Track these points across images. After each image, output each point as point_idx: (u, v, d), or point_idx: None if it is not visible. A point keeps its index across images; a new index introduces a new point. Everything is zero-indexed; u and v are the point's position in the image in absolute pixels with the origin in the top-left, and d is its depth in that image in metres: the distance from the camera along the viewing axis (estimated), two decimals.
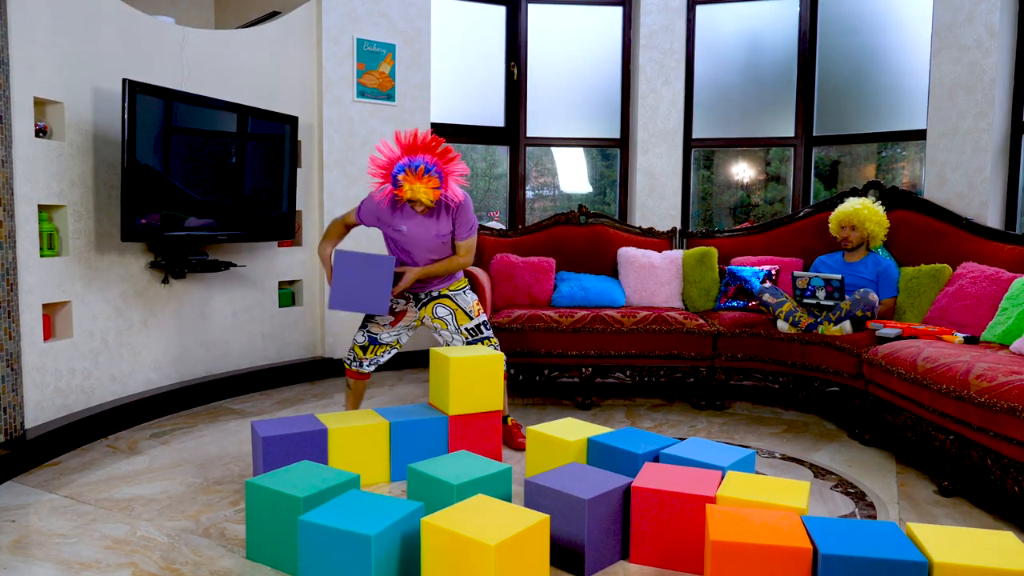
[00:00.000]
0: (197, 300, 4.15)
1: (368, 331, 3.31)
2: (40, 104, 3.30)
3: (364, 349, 3.32)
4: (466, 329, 3.31)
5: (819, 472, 3.06)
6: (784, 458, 3.25)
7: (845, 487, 2.89)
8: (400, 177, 2.98)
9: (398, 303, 3.32)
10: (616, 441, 2.67)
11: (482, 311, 3.39)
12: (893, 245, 4.11)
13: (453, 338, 3.32)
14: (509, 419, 3.45)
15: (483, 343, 3.31)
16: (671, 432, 3.63)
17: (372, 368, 3.35)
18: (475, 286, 4.05)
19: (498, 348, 3.32)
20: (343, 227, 3.36)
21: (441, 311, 3.33)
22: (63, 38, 3.34)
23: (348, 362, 3.36)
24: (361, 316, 4.21)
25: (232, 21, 5.46)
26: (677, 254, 4.48)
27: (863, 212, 3.91)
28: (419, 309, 3.35)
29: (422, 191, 2.99)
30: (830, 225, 4.08)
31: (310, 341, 4.86)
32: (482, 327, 3.34)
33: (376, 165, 3.06)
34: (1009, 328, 3.07)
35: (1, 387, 2.96)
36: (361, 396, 3.44)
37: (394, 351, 3.38)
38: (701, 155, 6.00)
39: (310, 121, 4.76)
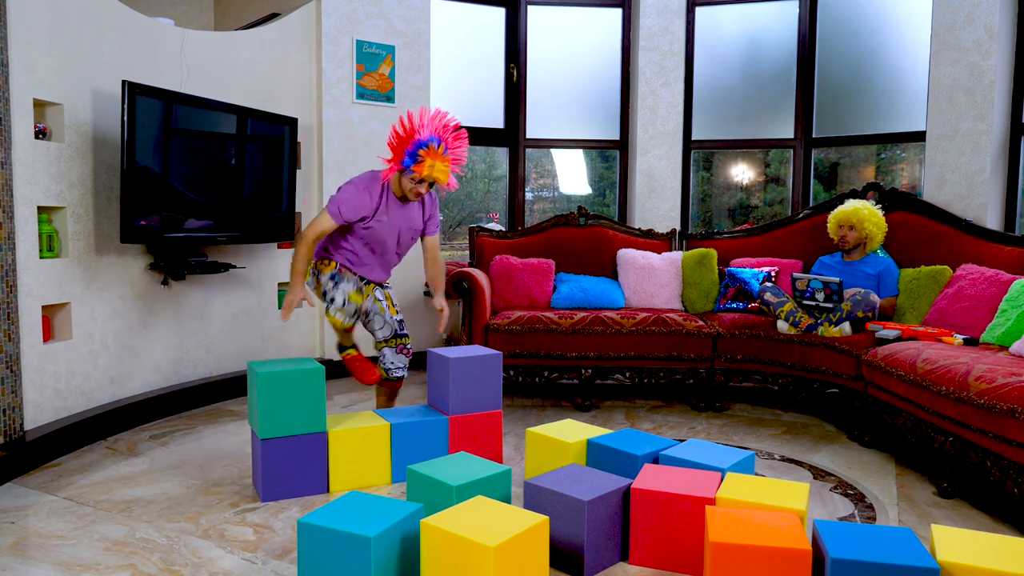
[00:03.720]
0: (196, 301, 4.15)
1: (342, 287, 3.02)
2: (40, 106, 3.30)
3: (357, 317, 3.09)
4: (397, 320, 3.23)
5: (819, 474, 3.06)
6: (784, 460, 3.24)
7: (845, 489, 2.89)
8: (422, 152, 2.85)
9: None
10: (615, 443, 2.67)
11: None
12: (892, 247, 4.11)
13: (385, 323, 3.19)
14: (353, 350, 3.29)
15: (405, 339, 3.25)
16: (671, 434, 3.63)
17: (393, 361, 3.23)
18: (474, 288, 4.05)
19: (409, 352, 3.28)
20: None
21: (379, 294, 3.23)
22: (63, 40, 3.34)
23: (346, 319, 3.05)
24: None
25: (231, 23, 5.46)
26: (676, 255, 4.48)
27: (862, 212, 3.91)
28: (363, 287, 3.17)
29: (440, 169, 2.89)
30: (828, 226, 4.08)
31: (310, 342, 4.86)
32: (403, 323, 3.29)
33: (397, 135, 2.92)
34: (1009, 330, 3.07)
35: (0, 389, 2.96)
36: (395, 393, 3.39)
37: (376, 318, 3.21)
38: (700, 156, 6.00)
39: (309, 122, 4.76)
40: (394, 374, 3.27)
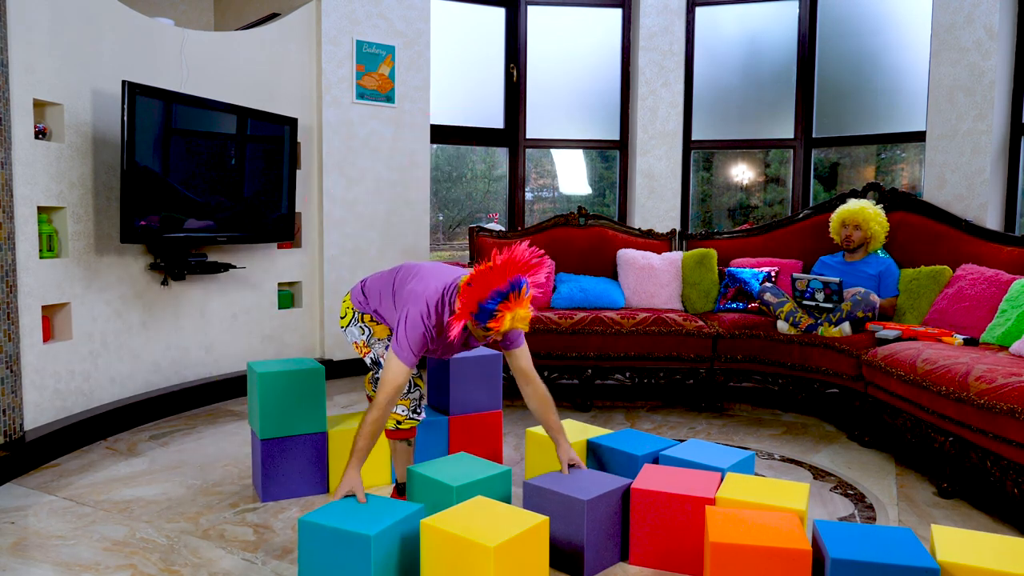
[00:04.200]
0: (196, 302, 4.15)
1: (384, 343, 2.62)
2: (40, 106, 3.30)
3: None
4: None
5: (819, 474, 3.06)
6: (784, 460, 3.24)
7: (845, 489, 2.89)
8: (500, 307, 2.15)
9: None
10: (615, 443, 2.67)
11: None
12: (893, 247, 4.11)
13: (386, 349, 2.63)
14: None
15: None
16: (670, 434, 3.63)
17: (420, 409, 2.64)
18: None
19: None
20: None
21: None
22: (62, 40, 3.34)
23: (407, 416, 2.56)
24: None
25: (231, 23, 5.47)
26: (676, 256, 4.48)
27: (868, 211, 3.90)
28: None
29: (521, 318, 2.19)
30: (831, 225, 4.06)
31: (310, 343, 4.86)
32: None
33: (473, 291, 2.16)
34: (1009, 330, 3.07)
35: (0, 389, 2.96)
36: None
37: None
38: (700, 157, 6.00)
39: (309, 123, 4.76)
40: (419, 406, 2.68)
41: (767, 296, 3.90)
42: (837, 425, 3.81)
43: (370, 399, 3.02)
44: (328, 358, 4.83)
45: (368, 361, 2.64)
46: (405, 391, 2.56)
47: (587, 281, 4.38)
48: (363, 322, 2.64)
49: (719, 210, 6.34)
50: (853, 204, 3.97)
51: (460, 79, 5.51)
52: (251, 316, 4.49)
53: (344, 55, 4.79)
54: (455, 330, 2.21)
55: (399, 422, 2.57)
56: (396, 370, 2.28)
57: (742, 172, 6.28)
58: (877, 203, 4.15)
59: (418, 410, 2.59)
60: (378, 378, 3.01)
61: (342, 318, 2.71)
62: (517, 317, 2.19)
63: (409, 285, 2.41)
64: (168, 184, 3.67)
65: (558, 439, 2.47)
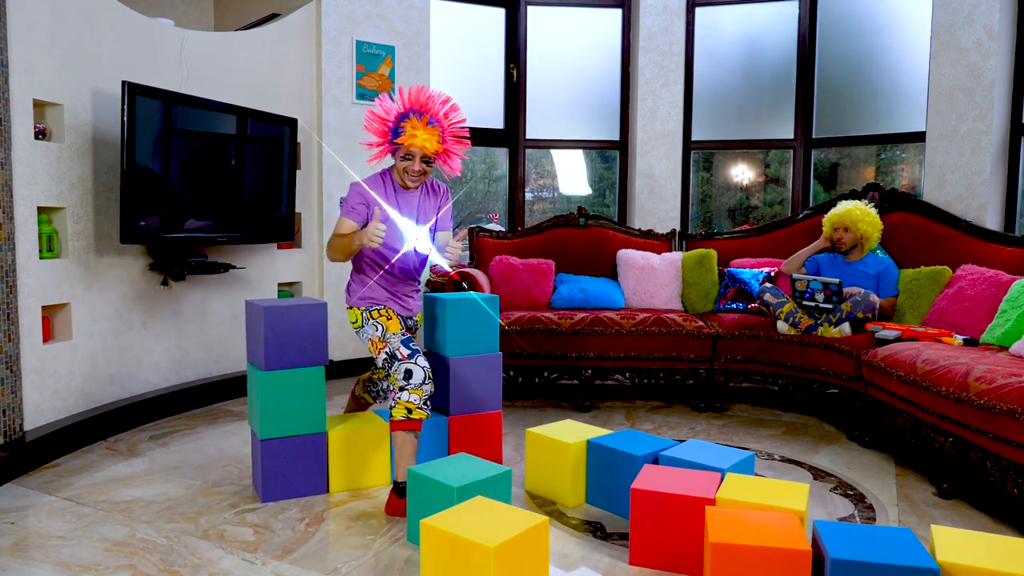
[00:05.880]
0: (196, 302, 4.15)
1: (399, 337, 2.71)
2: (40, 106, 3.30)
3: (413, 354, 2.66)
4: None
5: (818, 474, 3.06)
6: (783, 460, 3.24)
7: (845, 489, 2.89)
8: (403, 123, 2.66)
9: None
10: (615, 443, 2.67)
11: None
12: (892, 247, 4.11)
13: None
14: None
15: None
16: (670, 434, 3.63)
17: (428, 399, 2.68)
18: (474, 288, 4.05)
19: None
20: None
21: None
22: (62, 40, 3.34)
23: (418, 405, 2.61)
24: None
25: (231, 23, 5.47)
26: (676, 256, 4.48)
27: (855, 213, 3.89)
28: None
29: (425, 138, 2.64)
30: (823, 229, 4.05)
31: None
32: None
33: (374, 117, 2.71)
34: (1009, 330, 3.07)
35: (0, 389, 2.96)
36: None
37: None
38: (700, 157, 6.00)
39: (309, 123, 4.76)
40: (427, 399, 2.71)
41: (767, 296, 3.90)
42: (837, 425, 3.81)
43: (353, 396, 3.23)
44: (328, 358, 4.82)
45: (382, 358, 2.69)
46: (419, 381, 2.61)
47: (587, 281, 4.38)
48: (374, 318, 2.77)
49: (719, 210, 6.34)
50: (842, 207, 3.95)
51: (460, 79, 5.51)
52: None
53: (344, 55, 4.79)
54: (376, 152, 2.73)
55: (410, 411, 2.62)
56: (339, 222, 2.72)
57: (742, 172, 6.28)
58: (873, 204, 4.15)
59: (428, 402, 2.65)
60: (375, 380, 3.08)
61: (354, 323, 2.85)
62: (419, 135, 2.65)
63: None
64: (168, 184, 3.67)
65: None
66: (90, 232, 3.53)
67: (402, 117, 2.68)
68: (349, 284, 2.91)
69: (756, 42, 5.41)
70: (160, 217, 3.62)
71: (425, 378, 2.62)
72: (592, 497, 2.72)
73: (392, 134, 2.70)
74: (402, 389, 2.61)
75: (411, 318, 2.95)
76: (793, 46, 5.25)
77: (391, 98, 2.73)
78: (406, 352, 2.64)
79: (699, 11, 5.41)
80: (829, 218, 3.99)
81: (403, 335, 2.72)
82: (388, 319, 2.76)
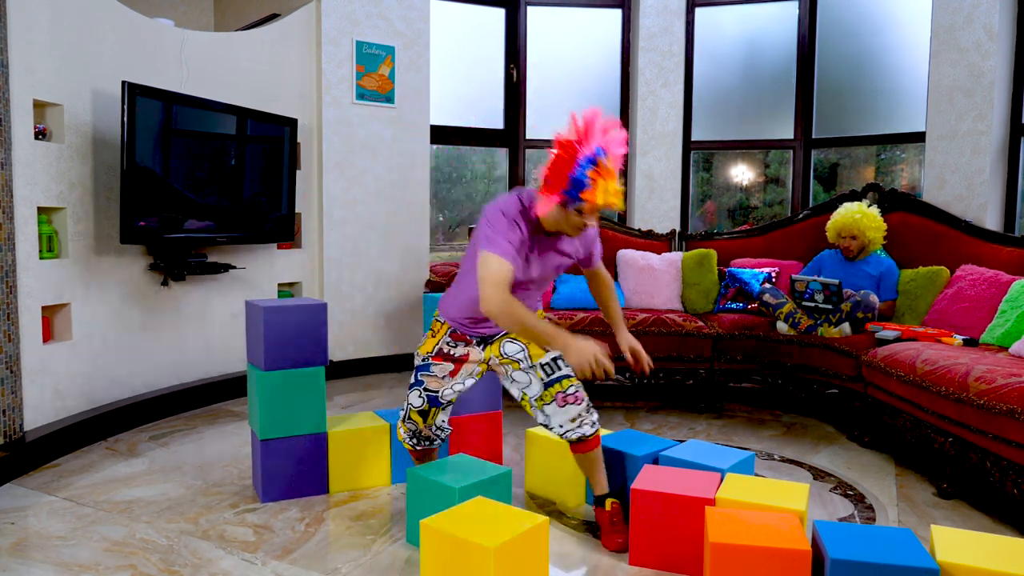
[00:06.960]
0: (196, 302, 4.15)
1: (425, 389, 2.42)
2: (40, 106, 3.30)
3: (424, 415, 2.43)
4: (541, 366, 2.36)
5: (818, 474, 3.06)
6: (783, 460, 3.24)
7: (844, 489, 2.89)
8: (591, 174, 2.03)
9: (456, 346, 2.44)
10: (615, 443, 2.67)
11: None
12: (892, 247, 4.11)
13: (530, 381, 2.36)
14: (608, 501, 2.45)
15: (562, 383, 2.34)
16: (670, 434, 3.63)
17: (438, 441, 2.53)
18: None
19: (582, 397, 2.36)
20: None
21: (511, 348, 2.40)
22: (62, 40, 3.34)
23: (407, 440, 2.51)
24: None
25: (231, 23, 5.47)
26: (676, 256, 4.48)
27: (863, 221, 3.85)
28: (483, 350, 2.45)
29: (614, 192, 2.06)
30: (828, 234, 4.02)
31: None
32: (560, 362, 2.36)
33: (564, 154, 2.09)
34: (1008, 330, 3.07)
35: (0, 389, 2.96)
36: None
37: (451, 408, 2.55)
38: (700, 157, 6.00)
39: (309, 123, 4.76)
40: (572, 435, 2.35)
41: (766, 297, 3.89)
42: (837, 426, 3.81)
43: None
44: (328, 359, 4.82)
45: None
46: (428, 443, 2.50)
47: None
48: (440, 362, 2.43)
49: (719, 210, 6.34)
50: (847, 212, 3.89)
51: (460, 80, 5.51)
52: None
53: (344, 56, 4.79)
54: (545, 206, 2.11)
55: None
56: (491, 262, 2.07)
57: (742, 173, 6.28)
58: (872, 205, 4.14)
59: (415, 439, 2.52)
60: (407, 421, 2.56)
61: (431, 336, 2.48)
62: (610, 189, 2.05)
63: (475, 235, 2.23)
64: (168, 185, 3.67)
65: (617, 328, 2.55)
66: (90, 232, 3.53)
67: (589, 161, 2.04)
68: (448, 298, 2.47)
69: (756, 42, 5.41)
70: (160, 217, 3.62)
71: (436, 437, 2.51)
72: (592, 497, 2.72)
73: (574, 184, 2.05)
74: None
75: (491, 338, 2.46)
76: (793, 46, 5.25)
77: (576, 124, 2.10)
78: (416, 404, 2.45)
79: (699, 11, 5.41)
80: (834, 225, 3.95)
81: (439, 392, 2.43)
82: (442, 377, 2.43)
